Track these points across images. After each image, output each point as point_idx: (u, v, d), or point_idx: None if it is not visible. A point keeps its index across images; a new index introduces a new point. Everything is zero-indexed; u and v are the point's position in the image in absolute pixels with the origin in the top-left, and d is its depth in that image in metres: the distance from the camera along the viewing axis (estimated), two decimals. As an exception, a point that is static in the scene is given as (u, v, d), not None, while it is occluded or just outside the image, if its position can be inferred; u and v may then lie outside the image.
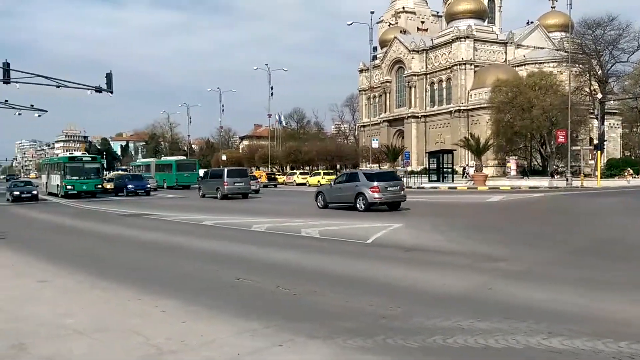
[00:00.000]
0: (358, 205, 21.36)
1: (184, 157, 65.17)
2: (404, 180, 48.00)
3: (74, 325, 6.11)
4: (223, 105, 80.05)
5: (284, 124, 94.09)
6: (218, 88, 78.88)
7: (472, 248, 11.60)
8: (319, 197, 23.95)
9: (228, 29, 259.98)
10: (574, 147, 47.92)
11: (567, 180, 40.13)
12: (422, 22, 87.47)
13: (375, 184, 21.05)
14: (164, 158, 68.20)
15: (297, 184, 55.68)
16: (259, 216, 19.56)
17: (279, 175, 64.40)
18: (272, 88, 72.58)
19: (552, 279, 8.38)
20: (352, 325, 5.91)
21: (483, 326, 5.73)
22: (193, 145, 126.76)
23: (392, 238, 13.14)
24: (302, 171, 66.49)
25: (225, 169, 34.96)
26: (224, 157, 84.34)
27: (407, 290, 7.60)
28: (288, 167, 79.39)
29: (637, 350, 4.93)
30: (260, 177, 55.23)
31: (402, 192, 21.86)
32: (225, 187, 31.43)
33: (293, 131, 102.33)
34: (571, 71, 49.33)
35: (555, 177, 47.55)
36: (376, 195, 20.91)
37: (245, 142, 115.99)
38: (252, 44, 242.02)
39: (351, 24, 54.42)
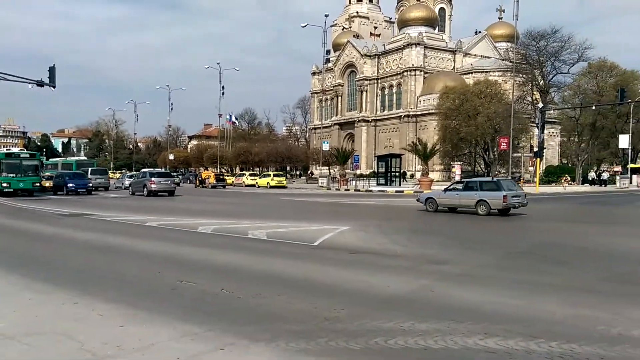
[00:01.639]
0: (144, 192, 33.72)
1: (84, 158, 74.57)
2: (353, 182, 49.00)
3: (4, 330, 5.81)
4: (172, 104, 79.19)
5: (237, 123, 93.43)
6: (167, 86, 77.75)
7: (416, 251, 11.83)
8: (135, 186, 36.59)
9: (183, 26, 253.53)
10: (515, 154, 49.76)
11: (508, 186, 41.38)
12: (375, 27, 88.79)
13: (153, 179, 34.18)
14: (68, 158, 72.98)
15: (246, 185, 55.19)
16: (206, 217, 19.28)
17: (227, 176, 63.65)
18: (223, 87, 72.09)
19: (491, 281, 8.65)
20: (296, 327, 5.90)
21: (423, 327, 5.85)
22: (139, 144, 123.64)
23: (339, 240, 13.22)
24: (251, 172, 66.02)
25: (90, 169, 45.59)
26: (171, 157, 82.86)
27: (351, 293, 7.65)
28: (237, 168, 78.63)
29: (567, 350, 5.16)
30: (208, 178, 54.51)
31: (172, 185, 35.32)
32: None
33: (243, 132, 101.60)
34: (515, 80, 51.26)
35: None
36: (153, 186, 33.70)
37: (194, 142, 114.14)
38: (206, 42, 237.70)
39: (305, 26, 54.58)
